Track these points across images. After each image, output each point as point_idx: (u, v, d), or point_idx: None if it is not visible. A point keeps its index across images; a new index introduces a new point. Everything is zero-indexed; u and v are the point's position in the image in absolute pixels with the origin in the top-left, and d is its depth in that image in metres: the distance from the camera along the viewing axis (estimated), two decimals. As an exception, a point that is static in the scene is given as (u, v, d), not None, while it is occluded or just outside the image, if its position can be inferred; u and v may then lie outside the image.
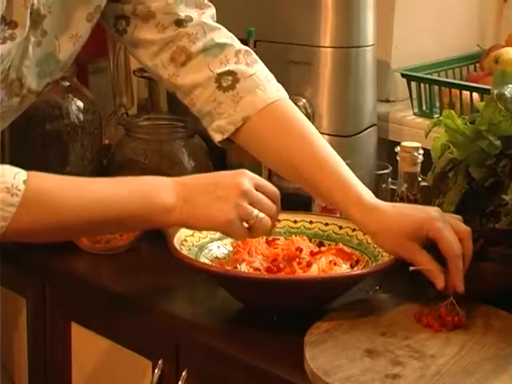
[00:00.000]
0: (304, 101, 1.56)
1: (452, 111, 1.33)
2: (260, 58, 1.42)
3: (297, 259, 1.26)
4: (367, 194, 1.25)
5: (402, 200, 1.41)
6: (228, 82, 1.31)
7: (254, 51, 1.53)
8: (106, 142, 1.70)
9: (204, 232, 1.31)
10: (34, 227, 1.12)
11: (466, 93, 1.60)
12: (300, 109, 1.54)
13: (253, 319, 1.23)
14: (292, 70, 1.56)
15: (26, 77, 1.25)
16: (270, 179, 1.54)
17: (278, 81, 1.55)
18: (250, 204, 1.16)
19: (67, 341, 1.46)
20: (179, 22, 1.32)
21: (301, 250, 1.28)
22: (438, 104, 1.67)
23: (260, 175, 1.53)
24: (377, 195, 1.52)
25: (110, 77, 1.80)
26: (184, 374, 1.25)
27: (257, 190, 1.18)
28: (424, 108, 1.69)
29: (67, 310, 1.45)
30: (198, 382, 1.25)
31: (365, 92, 1.58)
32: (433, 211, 1.22)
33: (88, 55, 1.79)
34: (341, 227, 1.35)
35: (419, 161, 1.41)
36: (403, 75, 1.68)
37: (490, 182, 1.28)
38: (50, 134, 1.55)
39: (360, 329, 1.17)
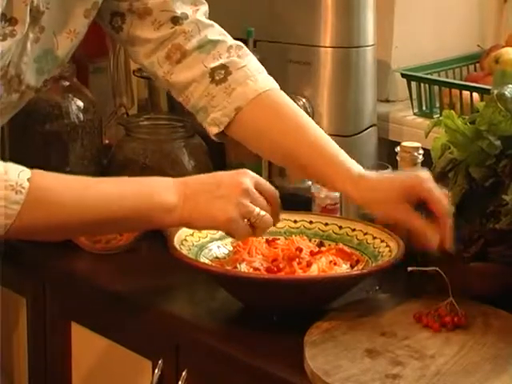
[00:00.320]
0: (304, 101, 1.56)
1: (452, 111, 1.33)
2: (260, 57, 1.42)
3: (297, 259, 1.26)
4: (356, 168, 1.25)
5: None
6: (220, 75, 1.33)
7: (254, 51, 1.53)
8: (106, 141, 1.70)
9: (204, 232, 1.31)
10: (36, 225, 1.12)
11: (466, 93, 1.60)
12: (301, 108, 1.55)
13: (253, 319, 1.23)
14: (292, 69, 1.56)
15: (24, 73, 1.25)
16: (270, 179, 1.54)
17: (278, 81, 1.55)
18: (251, 202, 1.16)
19: (67, 341, 1.46)
20: (175, 20, 1.33)
21: (301, 250, 1.28)
22: (438, 104, 1.67)
23: (260, 175, 1.53)
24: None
25: (110, 77, 1.80)
26: (184, 374, 1.25)
27: (256, 189, 1.18)
28: (424, 108, 1.69)
29: (67, 309, 1.45)
30: (198, 382, 1.25)
31: (365, 92, 1.58)
32: (422, 173, 1.23)
33: (88, 55, 1.80)
34: (341, 227, 1.35)
35: (419, 161, 1.41)
36: (403, 75, 1.68)
37: (490, 182, 1.28)
38: (50, 134, 1.56)
39: (360, 329, 1.17)
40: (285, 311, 1.22)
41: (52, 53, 1.27)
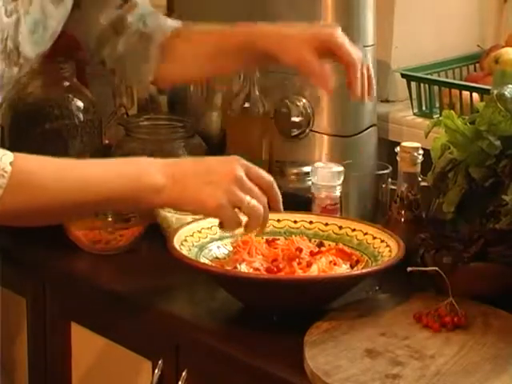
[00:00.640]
0: (304, 101, 1.56)
1: (452, 111, 1.34)
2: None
3: (297, 259, 1.26)
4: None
5: (402, 200, 1.41)
6: (139, 29, 1.42)
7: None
8: (106, 142, 1.70)
9: (204, 232, 1.31)
10: (20, 209, 1.11)
11: (465, 93, 1.60)
12: (300, 109, 1.55)
13: (253, 319, 1.23)
14: (292, 70, 1.56)
15: (22, 45, 1.26)
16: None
17: (279, 81, 1.56)
18: (242, 191, 1.15)
19: (67, 341, 1.46)
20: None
21: (301, 250, 1.28)
22: (437, 104, 1.67)
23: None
24: (377, 195, 1.53)
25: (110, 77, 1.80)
26: (184, 374, 1.26)
27: (249, 177, 1.16)
28: (424, 108, 1.69)
29: (67, 310, 1.45)
30: (198, 382, 1.25)
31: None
32: (332, 28, 1.30)
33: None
34: (341, 227, 1.35)
35: (419, 161, 1.41)
36: (403, 75, 1.68)
37: (489, 182, 1.28)
38: (49, 134, 1.56)
39: (360, 329, 1.17)
40: (285, 311, 1.22)
41: (42, 23, 1.28)
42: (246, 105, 1.55)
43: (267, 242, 1.32)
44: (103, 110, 1.69)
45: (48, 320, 1.48)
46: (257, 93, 1.55)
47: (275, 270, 1.24)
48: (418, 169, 1.41)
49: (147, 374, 1.32)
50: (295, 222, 1.37)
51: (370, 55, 1.58)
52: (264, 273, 1.24)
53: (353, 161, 1.52)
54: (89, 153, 1.59)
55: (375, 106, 1.63)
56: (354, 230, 1.33)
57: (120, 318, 1.35)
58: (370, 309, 1.23)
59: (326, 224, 1.36)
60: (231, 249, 1.31)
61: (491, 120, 1.27)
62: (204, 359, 1.23)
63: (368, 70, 1.31)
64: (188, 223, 1.33)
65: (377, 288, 1.32)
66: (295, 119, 1.55)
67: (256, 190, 1.16)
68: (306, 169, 1.48)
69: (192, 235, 1.30)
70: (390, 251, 1.26)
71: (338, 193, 1.42)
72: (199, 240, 1.30)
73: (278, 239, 1.34)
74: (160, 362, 1.29)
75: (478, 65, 1.78)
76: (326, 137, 1.55)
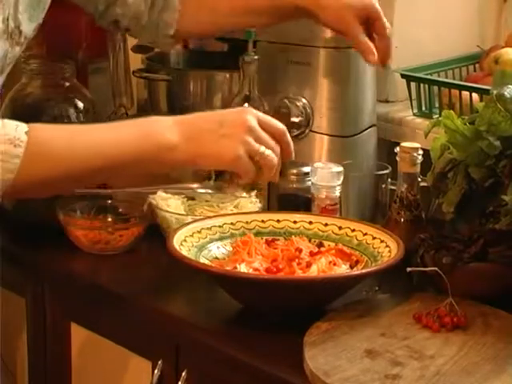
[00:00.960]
0: (304, 101, 1.56)
1: (451, 112, 1.34)
2: (260, 58, 1.42)
3: (296, 260, 1.26)
4: None
5: (401, 201, 1.41)
6: None
7: (254, 51, 1.53)
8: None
9: (203, 232, 1.31)
10: (40, 178, 1.11)
11: (465, 93, 1.60)
12: (300, 109, 1.55)
13: (252, 319, 1.23)
14: (292, 70, 1.56)
15: (22, 23, 1.27)
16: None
17: (278, 81, 1.55)
18: (256, 140, 1.16)
19: (67, 341, 1.46)
20: None
21: (300, 251, 1.28)
22: (437, 104, 1.67)
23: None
24: (376, 195, 1.53)
25: (110, 77, 1.80)
26: (184, 374, 1.26)
27: (261, 126, 1.17)
28: (423, 108, 1.69)
29: (67, 310, 1.46)
30: (198, 382, 1.25)
31: (364, 92, 1.58)
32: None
33: (88, 55, 1.80)
34: (340, 228, 1.35)
35: (419, 161, 1.41)
36: (403, 75, 1.68)
37: (489, 182, 1.28)
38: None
39: (359, 329, 1.17)
40: (284, 311, 1.22)
41: None
42: (246, 105, 1.55)
43: (267, 242, 1.33)
44: (103, 110, 1.69)
45: (48, 320, 1.48)
46: (256, 93, 1.55)
47: (275, 270, 1.24)
48: (418, 169, 1.41)
49: (147, 375, 1.32)
50: (295, 222, 1.37)
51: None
52: (263, 273, 1.24)
53: (352, 161, 1.52)
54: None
55: (375, 107, 1.63)
56: (353, 230, 1.33)
57: (120, 318, 1.35)
58: (370, 309, 1.23)
59: (326, 224, 1.36)
60: (231, 249, 1.31)
61: (491, 120, 1.27)
62: (204, 359, 1.23)
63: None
64: (188, 223, 1.33)
65: (376, 288, 1.32)
66: (295, 119, 1.55)
67: (269, 139, 1.17)
68: (306, 169, 1.48)
69: (191, 235, 1.30)
70: (389, 251, 1.26)
71: (337, 193, 1.42)
72: (199, 240, 1.30)
73: (278, 239, 1.34)
74: (160, 362, 1.29)
75: (477, 65, 1.78)
76: (325, 137, 1.55)
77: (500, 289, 1.26)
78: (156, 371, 1.29)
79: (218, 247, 1.32)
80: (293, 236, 1.34)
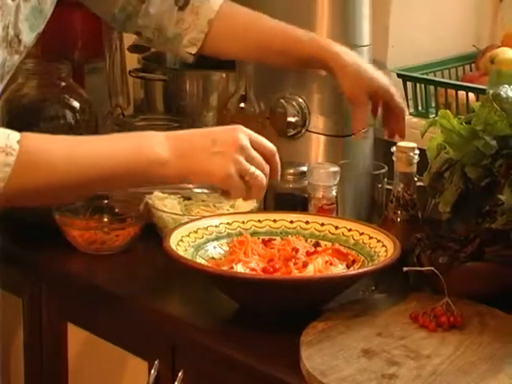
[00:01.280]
0: (300, 101, 1.55)
1: (448, 111, 1.34)
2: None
3: (293, 259, 1.26)
4: (343, 52, 1.43)
5: (398, 200, 1.41)
6: (182, 0, 1.47)
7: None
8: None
9: (200, 232, 1.31)
10: (30, 187, 1.11)
11: (461, 93, 1.60)
12: (296, 109, 1.55)
13: (249, 319, 1.23)
14: (288, 70, 1.56)
15: (22, 32, 1.27)
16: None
17: (274, 81, 1.55)
18: (246, 160, 1.17)
19: (63, 341, 1.46)
20: None
21: (297, 251, 1.28)
22: (433, 104, 1.67)
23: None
24: (373, 195, 1.53)
25: (106, 77, 1.80)
26: (180, 374, 1.26)
27: (252, 146, 1.18)
28: (420, 108, 1.69)
29: (63, 310, 1.45)
30: (195, 382, 1.25)
31: (361, 92, 1.58)
32: (386, 79, 1.46)
33: (84, 55, 1.80)
34: (337, 227, 1.35)
35: (415, 161, 1.41)
36: (399, 75, 1.68)
37: (485, 181, 1.29)
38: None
39: (356, 329, 1.17)
40: (281, 311, 1.22)
41: (37, 9, 1.29)
42: (242, 105, 1.55)
43: (263, 242, 1.32)
44: (99, 110, 1.69)
45: (44, 320, 1.48)
46: (252, 93, 1.55)
47: (271, 270, 1.24)
48: (414, 169, 1.41)
49: (143, 375, 1.31)
50: (291, 222, 1.37)
51: (366, 55, 1.58)
52: (260, 273, 1.24)
53: (349, 161, 1.52)
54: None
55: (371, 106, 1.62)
56: (350, 229, 1.33)
57: (116, 318, 1.35)
58: (366, 309, 1.23)
59: (322, 224, 1.36)
60: (227, 249, 1.31)
61: (487, 120, 1.28)
62: (200, 359, 1.23)
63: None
64: (184, 223, 1.33)
65: (373, 288, 1.32)
66: (291, 119, 1.55)
67: (259, 158, 1.18)
68: (303, 169, 1.48)
69: (188, 235, 1.30)
70: (386, 251, 1.26)
71: (334, 193, 1.42)
72: (195, 240, 1.30)
73: (275, 239, 1.34)
74: (156, 362, 1.29)
75: (473, 65, 1.78)
76: (322, 137, 1.55)
77: (496, 288, 1.26)
78: (152, 371, 1.29)
79: (214, 247, 1.32)
80: (289, 236, 1.34)
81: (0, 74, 1.26)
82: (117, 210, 1.51)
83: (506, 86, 1.29)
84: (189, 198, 1.50)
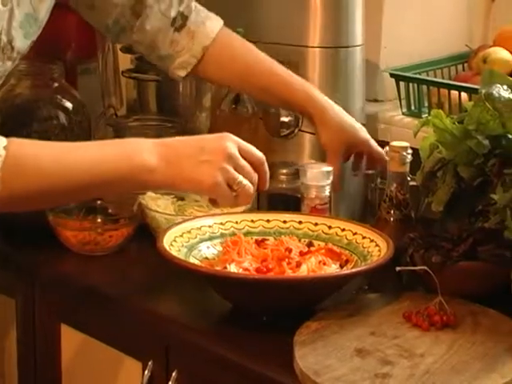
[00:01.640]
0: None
1: (440, 111, 1.34)
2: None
3: (286, 259, 1.26)
4: (328, 107, 1.45)
5: (391, 200, 1.41)
6: (179, 21, 1.45)
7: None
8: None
9: (193, 232, 1.31)
10: (20, 193, 1.12)
11: (454, 92, 1.60)
12: (289, 109, 1.55)
13: (242, 319, 1.23)
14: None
15: (15, 39, 1.27)
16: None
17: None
18: (234, 169, 1.17)
19: (57, 342, 1.45)
20: None
21: (290, 251, 1.28)
22: (426, 104, 1.67)
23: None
24: (366, 195, 1.53)
25: (99, 78, 1.79)
26: (174, 374, 1.25)
27: (240, 154, 1.18)
28: (413, 108, 1.69)
29: (57, 311, 1.45)
30: (188, 382, 1.25)
31: (353, 92, 1.59)
32: (363, 131, 1.47)
33: (77, 56, 1.79)
34: (330, 227, 1.35)
35: (408, 160, 1.41)
36: (392, 75, 1.68)
37: (478, 181, 1.29)
38: (38, 135, 1.55)
39: (349, 328, 1.17)
40: (274, 311, 1.22)
41: (32, 16, 1.29)
42: (235, 105, 1.55)
43: (257, 242, 1.33)
44: (92, 110, 1.69)
45: (37, 321, 1.48)
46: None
47: (265, 270, 1.24)
48: (407, 168, 1.41)
49: (137, 375, 1.31)
50: (285, 222, 1.37)
51: (359, 55, 1.58)
52: (254, 273, 1.24)
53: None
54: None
55: (364, 106, 1.63)
56: (343, 229, 1.33)
57: (110, 319, 1.35)
58: (360, 308, 1.23)
59: (316, 224, 1.36)
60: (221, 249, 1.31)
61: (479, 119, 1.28)
62: (194, 360, 1.23)
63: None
64: (177, 223, 1.33)
65: (366, 287, 1.33)
66: (284, 119, 1.55)
67: (248, 167, 1.19)
68: (296, 169, 1.48)
69: (181, 235, 1.30)
70: (379, 251, 1.26)
71: (327, 193, 1.42)
72: (188, 240, 1.30)
73: (268, 239, 1.34)
74: (150, 362, 1.29)
75: (466, 64, 1.79)
76: (315, 137, 1.55)
77: (489, 287, 1.26)
78: (146, 372, 1.29)
79: (207, 247, 1.32)
80: (283, 236, 1.34)
81: None
82: (110, 211, 1.51)
83: (499, 85, 1.29)
84: (182, 199, 1.50)
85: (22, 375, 1.53)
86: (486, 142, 1.28)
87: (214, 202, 1.21)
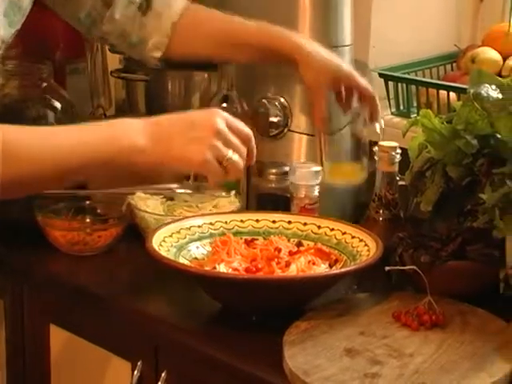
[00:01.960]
0: (282, 101, 1.56)
1: (429, 111, 1.34)
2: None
3: (275, 259, 1.26)
4: (304, 43, 1.42)
5: (380, 199, 1.41)
6: (145, 5, 1.47)
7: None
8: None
9: (182, 232, 1.31)
10: (9, 179, 1.11)
11: (443, 92, 1.60)
12: (278, 108, 1.55)
13: (232, 319, 1.23)
14: (270, 69, 1.56)
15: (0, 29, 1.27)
16: (248, 178, 1.54)
17: (256, 81, 1.55)
18: (223, 144, 1.18)
19: (46, 342, 1.45)
20: None
21: (279, 250, 1.28)
22: (415, 103, 1.68)
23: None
24: (356, 194, 1.52)
25: (88, 78, 1.79)
26: (163, 375, 1.25)
27: (229, 129, 1.19)
28: (401, 108, 1.69)
29: (45, 311, 1.45)
30: (178, 382, 1.25)
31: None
32: (346, 65, 1.45)
33: (65, 56, 1.79)
34: (319, 227, 1.35)
35: (397, 160, 1.41)
36: (380, 75, 1.69)
37: (467, 180, 1.29)
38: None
39: (339, 328, 1.17)
40: (264, 311, 1.22)
41: (16, 4, 1.29)
42: (224, 105, 1.55)
43: (246, 242, 1.33)
44: (81, 110, 1.69)
45: (26, 321, 1.47)
46: (235, 93, 1.55)
47: (254, 270, 1.24)
48: (396, 168, 1.41)
49: (126, 376, 1.31)
50: (274, 221, 1.37)
51: (348, 55, 1.58)
52: (243, 273, 1.24)
53: (331, 160, 1.52)
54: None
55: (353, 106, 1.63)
56: (332, 229, 1.34)
57: (99, 319, 1.34)
58: (349, 308, 1.23)
59: (305, 224, 1.36)
60: (210, 249, 1.31)
61: (468, 119, 1.28)
62: (183, 360, 1.23)
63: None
64: (166, 223, 1.33)
65: (355, 287, 1.33)
66: (273, 119, 1.55)
67: (237, 142, 1.20)
68: (285, 168, 1.48)
69: (171, 236, 1.30)
70: (368, 250, 1.26)
71: (316, 192, 1.42)
72: (178, 240, 1.30)
73: (257, 239, 1.34)
74: (139, 363, 1.29)
75: (454, 64, 1.79)
76: (304, 136, 1.55)
77: (478, 287, 1.26)
78: (135, 372, 1.29)
79: (197, 247, 1.32)
80: (272, 236, 1.34)
81: None
82: (99, 211, 1.50)
83: (487, 85, 1.30)
84: (171, 199, 1.50)
85: (11, 375, 1.53)
86: (475, 142, 1.28)
87: (204, 179, 1.22)
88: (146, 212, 1.44)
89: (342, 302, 1.25)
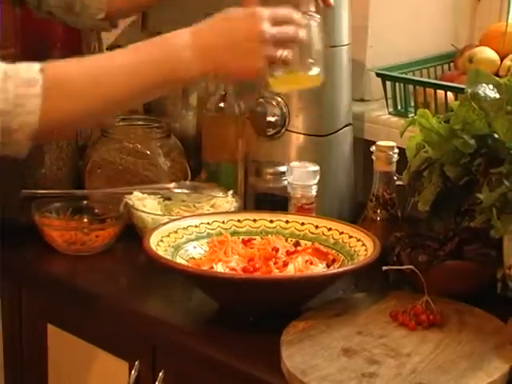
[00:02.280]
0: (279, 100, 1.56)
1: (427, 110, 1.34)
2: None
3: (273, 259, 1.26)
4: None
5: (377, 199, 1.41)
6: None
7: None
8: (82, 142, 1.69)
9: (180, 232, 1.31)
10: (62, 114, 1.12)
11: (440, 92, 1.60)
12: (276, 108, 1.55)
13: (229, 319, 1.23)
14: (267, 69, 1.56)
15: None
16: (246, 178, 1.54)
17: (254, 80, 1.54)
18: (274, 45, 1.19)
19: (43, 342, 1.45)
20: None
21: (277, 250, 1.28)
22: (412, 103, 1.68)
23: (236, 175, 1.54)
24: (353, 194, 1.52)
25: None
26: (161, 374, 1.25)
27: (274, 23, 1.19)
28: (399, 107, 1.69)
29: (43, 311, 1.45)
30: (175, 382, 1.25)
31: (340, 91, 1.59)
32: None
33: (63, 56, 1.79)
34: (317, 227, 1.35)
35: (394, 160, 1.41)
36: (378, 74, 1.69)
37: (464, 180, 1.29)
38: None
39: (336, 328, 1.17)
40: (261, 311, 1.23)
41: None
42: (222, 104, 1.55)
43: (243, 241, 1.33)
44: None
45: (24, 321, 1.47)
46: (232, 92, 1.55)
47: (251, 269, 1.24)
48: (394, 168, 1.42)
49: (124, 375, 1.31)
50: (271, 221, 1.37)
51: (345, 55, 1.58)
52: (240, 272, 1.24)
53: (328, 160, 1.52)
54: (64, 154, 1.58)
55: (350, 106, 1.63)
56: (330, 229, 1.34)
57: (96, 319, 1.34)
58: (347, 308, 1.23)
59: (302, 223, 1.36)
60: (207, 249, 1.31)
61: (465, 119, 1.28)
62: (181, 360, 1.23)
63: None
64: (164, 223, 1.33)
65: (353, 287, 1.33)
66: (271, 119, 1.55)
67: (285, 31, 1.20)
68: (282, 168, 1.48)
69: (168, 235, 1.30)
70: (365, 250, 1.26)
71: (313, 192, 1.42)
72: (175, 240, 1.30)
73: (255, 239, 1.34)
74: (137, 362, 1.29)
75: (452, 64, 1.79)
76: (301, 136, 1.55)
77: (475, 286, 1.26)
78: (133, 372, 1.29)
79: (194, 247, 1.32)
80: (269, 235, 1.34)
81: None
82: (96, 211, 1.50)
83: (484, 85, 1.30)
84: (169, 199, 1.50)
85: (8, 375, 1.53)
86: (472, 142, 1.28)
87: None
88: (144, 212, 1.44)
89: (340, 302, 1.25)
